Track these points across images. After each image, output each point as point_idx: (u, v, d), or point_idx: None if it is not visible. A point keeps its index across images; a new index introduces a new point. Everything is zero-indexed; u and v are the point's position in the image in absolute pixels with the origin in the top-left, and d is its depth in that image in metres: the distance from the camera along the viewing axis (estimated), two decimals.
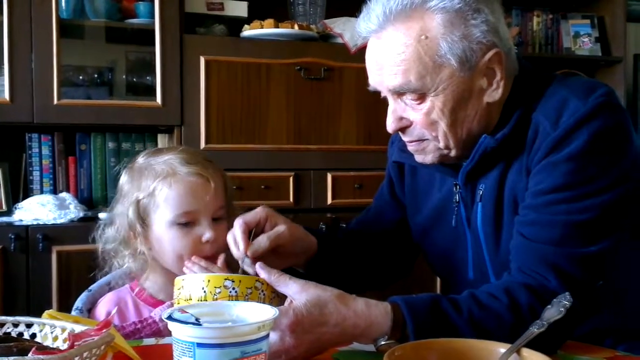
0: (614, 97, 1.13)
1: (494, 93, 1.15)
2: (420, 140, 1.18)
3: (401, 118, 1.17)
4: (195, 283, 1.04)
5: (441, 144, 1.17)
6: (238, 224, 1.16)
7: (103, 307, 1.32)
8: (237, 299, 1.01)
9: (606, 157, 1.09)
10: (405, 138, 1.21)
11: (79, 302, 1.35)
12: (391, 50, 1.12)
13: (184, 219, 1.26)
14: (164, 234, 1.27)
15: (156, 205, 1.27)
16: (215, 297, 1.01)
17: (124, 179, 1.34)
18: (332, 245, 1.32)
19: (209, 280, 1.03)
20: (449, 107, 1.13)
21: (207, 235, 1.26)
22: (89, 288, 1.38)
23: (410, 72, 1.11)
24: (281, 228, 1.19)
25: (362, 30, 1.16)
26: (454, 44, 1.10)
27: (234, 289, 1.02)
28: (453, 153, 1.18)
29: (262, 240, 1.16)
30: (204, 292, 1.02)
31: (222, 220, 1.30)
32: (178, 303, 1.06)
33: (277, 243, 1.18)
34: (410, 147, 1.22)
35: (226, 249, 1.30)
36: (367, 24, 1.14)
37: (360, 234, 1.42)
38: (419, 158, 1.22)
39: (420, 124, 1.15)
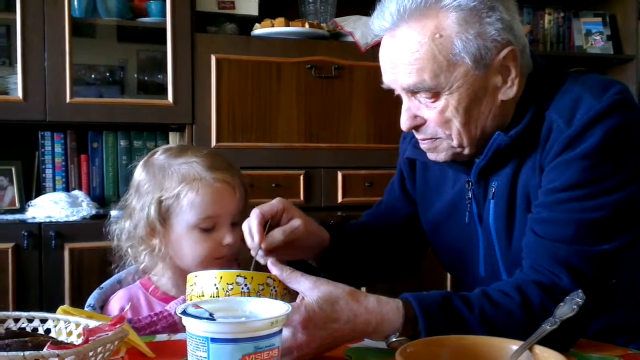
0: (629, 94, 1.12)
1: (509, 91, 1.15)
2: (434, 138, 1.18)
3: (415, 116, 1.17)
4: (207, 279, 1.05)
5: (454, 143, 1.16)
6: (255, 214, 1.16)
7: (116, 304, 1.33)
8: (249, 296, 1.02)
9: (620, 155, 1.08)
10: (418, 136, 1.20)
11: (91, 300, 1.36)
12: (405, 48, 1.12)
13: (206, 224, 1.28)
14: (184, 236, 1.29)
15: (180, 208, 1.28)
16: (227, 293, 1.02)
17: (141, 175, 1.34)
18: (343, 240, 1.32)
19: (221, 277, 1.03)
20: (463, 105, 1.13)
21: (228, 240, 1.28)
22: (101, 286, 1.39)
23: (425, 71, 1.11)
24: (296, 222, 1.19)
25: (376, 28, 1.15)
26: (469, 42, 1.09)
27: (246, 285, 1.02)
28: (466, 151, 1.18)
29: (277, 234, 1.16)
30: (216, 288, 1.03)
31: (239, 225, 1.31)
32: (190, 299, 1.07)
33: (291, 237, 1.18)
34: (423, 145, 1.21)
35: (237, 252, 1.32)
36: (381, 22, 1.14)
37: (371, 229, 1.42)
38: (431, 156, 1.22)
39: (434, 122, 1.15)
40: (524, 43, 1.16)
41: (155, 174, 1.32)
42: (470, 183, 1.24)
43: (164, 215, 1.29)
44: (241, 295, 1.01)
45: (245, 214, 1.33)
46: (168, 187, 1.29)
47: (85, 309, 1.32)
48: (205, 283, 1.05)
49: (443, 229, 1.33)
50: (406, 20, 1.11)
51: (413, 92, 1.14)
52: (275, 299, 1.02)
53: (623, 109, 1.09)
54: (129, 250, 1.33)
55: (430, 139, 1.19)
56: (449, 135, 1.16)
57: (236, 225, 1.31)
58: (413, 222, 1.41)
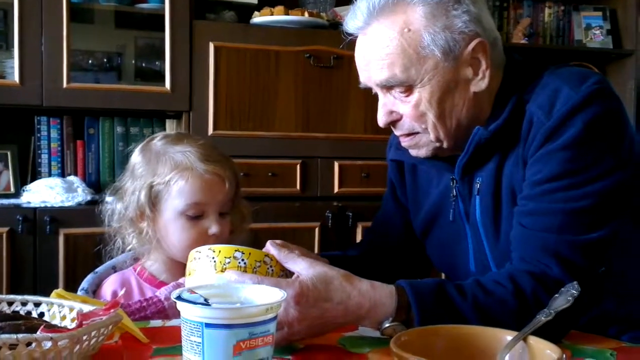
0: (607, 84, 1.13)
1: (481, 83, 1.16)
2: (412, 134, 1.20)
3: (391, 112, 1.19)
4: (206, 253, 1.06)
5: (432, 136, 1.18)
6: None
7: (108, 288, 1.34)
8: (245, 271, 1.02)
9: (602, 144, 1.09)
10: (396, 132, 1.22)
11: (84, 283, 1.37)
12: (376, 44, 1.14)
13: (193, 211, 1.29)
14: (172, 223, 1.30)
15: (169, 194, 1.30)
16: (224, 266, 1.02)
17: (137, 158, 1.36)
18: (345, 264, 1.31)
19: (219, 251, 1.04)
20: (436, 97, 1.14)
21: (214, 229, 1.30)
22: (95, 270, 1.40)
23: (395, 65, 1.13)
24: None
25: (350, 28, 1.18)
26: (437, 35, 1.12)
27: (243, 260, 1.03)
28: (445, 145, 1.19)
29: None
30: (214, 261, 1.03)
31: (228, 214, 1.34)
32: (189, 274, 1.07)
33: None
34: (404, 143, 1.23)
35: (226, 242, 1.31)
36: (354, 21, 1.17)
37: (372, 247, 1.42)
38: (413, 152, 1.24)
39: (409, 117, 1.17)
40: (494, 36, 1.18)
41: (150, 159, 1.33)
42: (454, 181, 1.25)
43: (154, 200, 1.31)
44: (237, 269, 1.02)
45: (235, 204, 1.36)
46: (160, 173, 1.30)
47: (79, 292, 1.33)
48: (204, 256, 1.05)
49: (432, 229, 1.34)
50: (376, 17, 1.14)
51: (387, 87, 1.17)
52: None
53: (602, 98, 1.10)
54: (118, 232, 1.34)
55: (408, 134, 1.20)
56: (425, 129, 1.17)
57: (225, 215, 1.33)
58: (411, 230, 1.42)
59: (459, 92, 1.16)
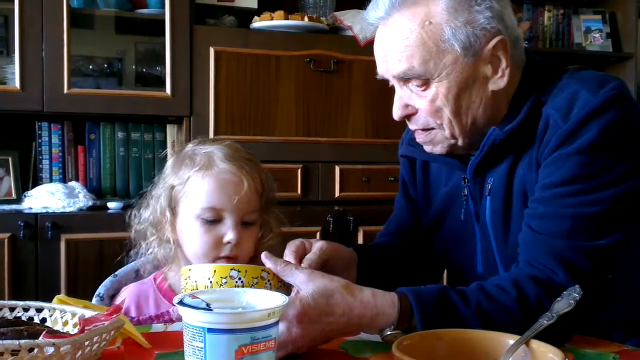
0: (626, 90, 1.12)
1: (499, 81, 1.15)
2: (427, 129, 1.19)
3: (407, 105, 1.18)
4: (201, 273, 1.04)
5: (446, 132, 1.17)
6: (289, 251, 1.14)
7: (123, 299, 1.30)
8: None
9: (617, 150, 1.08)
10: (411, 126, 1.21)
11: (101, 288, 1.33)
12: (396, 36, 1.14)
13: (209, 215, 1.23)
14: (188, 226, 1.25)
15: (186, 195, 1.25)
16: (221, 287, 1.01)
17: (169, 162, 1.32)
18: (372, 257, 1.29)
19: (215, 271, 1.03)
20: (453, 93, 1.13)
21: (230, 236, 1.22)
22: (115, 273, 1.36)
23: (414, 58, 1.12)
24: (319, 243, 1.16)
25: (371, 18, 1.18)
26: (458, 30, 1.11)
27: (240, 279, 1.02)
28: (460, 142, 1.18)
29: (311, 257, 1.13)
30: (210, 282, 1.02)
31: (253, 225, 1.27)
32: (185, 292, 1.06)
33: (323, 257, 1.15)
34: (419, 138, 1.22)
35: (250, 255, 1.27)
36: (375, 11, 1.16)
37: (389, 248, 1.40)
38: (427, 148, 1.23)
39: (425, 112, 1.16)
40: (516, 34, 1.17)
41: (176, 162, 1.29)
42: (466, 180, 1.24)
43: (173, 203, 1.26)
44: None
45: (265, 217, 1.29)
46: (181, 174, 1.26)
47: (94, 298, 1.31)
48: (200, 276, 1.04)
49: (440, 227, 1.33)
50: (398, 8, 1.13)
51: (404, 80, 1.16)
52: None
53: (619, 104, 1.09)
54: (142, 238, 1.29)
55: (423, 129, 1.19)
56: (440, 124, 1.17)
57: (249, 225, 1.26)
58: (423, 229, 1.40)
59: (476, 90, 1.15)
